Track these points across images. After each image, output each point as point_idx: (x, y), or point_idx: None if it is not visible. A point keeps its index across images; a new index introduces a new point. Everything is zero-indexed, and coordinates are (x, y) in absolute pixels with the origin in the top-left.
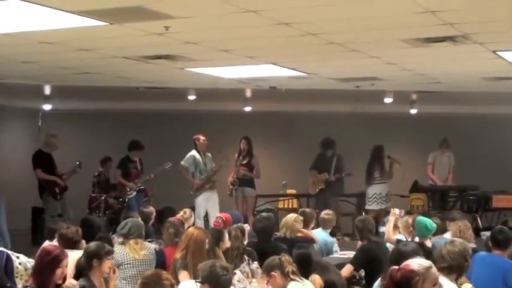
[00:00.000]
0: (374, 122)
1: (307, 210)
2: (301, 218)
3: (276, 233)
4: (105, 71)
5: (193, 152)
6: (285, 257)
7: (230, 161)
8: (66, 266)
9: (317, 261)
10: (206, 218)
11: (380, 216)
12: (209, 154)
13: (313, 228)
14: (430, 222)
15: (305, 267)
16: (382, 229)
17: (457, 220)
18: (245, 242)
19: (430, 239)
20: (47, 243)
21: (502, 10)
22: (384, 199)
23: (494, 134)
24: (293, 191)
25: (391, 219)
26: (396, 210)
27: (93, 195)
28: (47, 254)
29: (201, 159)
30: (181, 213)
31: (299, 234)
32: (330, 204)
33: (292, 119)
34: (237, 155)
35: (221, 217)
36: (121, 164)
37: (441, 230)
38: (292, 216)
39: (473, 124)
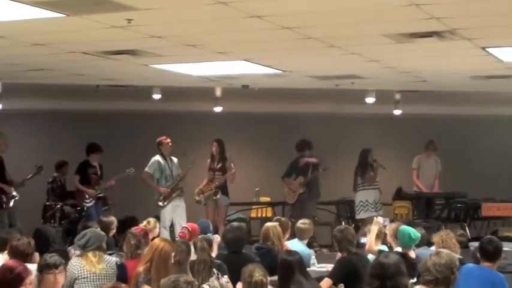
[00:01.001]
0: (355, 123)
1: (282, 218)
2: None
3: (257, 243)
4: (61, 68)
5: (158, 157)
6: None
7: (197, 166)
8: (30, 284)
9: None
10: (172, 228)
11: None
12: (175, 159)
13: (288, 239)
14: (414, 232)
15: (286, 276)
16: (363, 240)
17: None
18: (214, 254)
19: (414, 249)
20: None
21: (491, 4)
22: (371, 206)
23: (484, 137)
24: (267, 199)
25: (373, 228)
26: (380, 219)
27: (47, 203)
28: (9, 272)
29: (166, 165)
30: (145, 223)
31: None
32: (308, 211)
33: (266, 120)
34: (209, 160)
35: (187, 227)
36: (79, 169)
37: (426, 241)
38: (275, 225)
39: (461, 126)
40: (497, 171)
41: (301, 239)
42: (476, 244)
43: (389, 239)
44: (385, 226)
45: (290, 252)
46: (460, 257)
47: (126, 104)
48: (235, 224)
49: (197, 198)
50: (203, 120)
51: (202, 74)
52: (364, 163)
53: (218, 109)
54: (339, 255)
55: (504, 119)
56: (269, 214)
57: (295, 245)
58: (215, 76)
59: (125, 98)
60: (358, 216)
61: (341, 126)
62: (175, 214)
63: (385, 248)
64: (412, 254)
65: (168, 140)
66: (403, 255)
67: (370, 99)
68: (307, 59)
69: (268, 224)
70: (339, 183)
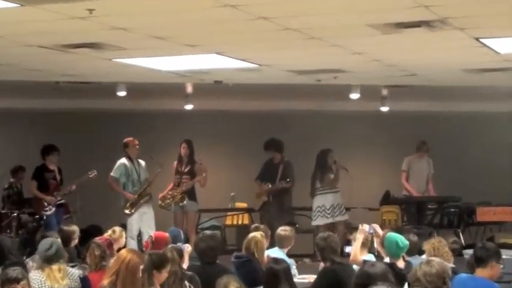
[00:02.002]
0: (338, 121)
1: (261, 226)
2: (263, 234)
3: (236, 252)
4: (15, 63)
5: (124, 160)
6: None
7: (167, 169)
8: None
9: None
10: (140, 237)
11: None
12: (142, 162)
13: (267, 248)
14: (402, 239)
15: (271, 286)
16: (348, 249)
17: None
18: (185, 266)
19: (403, 258)
20: None
21: None
22: (328, 212)
23: (479, 136)
24: (243, 205)
25: (358, 237)
26: (365, 226)
27: (3, 211)
28: None
29: (133, 168)
30: (110, 232)
31: (265, 258)
32: (276, 221)
33: (241, 119)
34: (176, 162)
35: (151, 236)
36: (36, 174)
37: (418, 249)
38: (259, 235)
39: (454, 124)
40: (493, 172)
41: (281, 247)
42: (470, 252)
43: (378, 247)
44: (372, 233)
45: (276, 261)
46: (453, 266)
47: (88, 102)
48: (208, 232)
49: (161, 203)
50: (173, 119)
51: (171, 68)
52: (323, 165)
53: (189, 107)
54: (322, 265)
55: (501, 116)
56: (246, 221)
57: (275, 254)
58: (185, 71)
59: (87, 95)
60: (314, 223)
61: (323, 125)
62: (142, 222)
63: (371, 257)
64: (401, 263)
65: (135, 141)
66: (391, 265)
67: (354, 95)
68: (285, 51)
69: (254, 235)
70: None
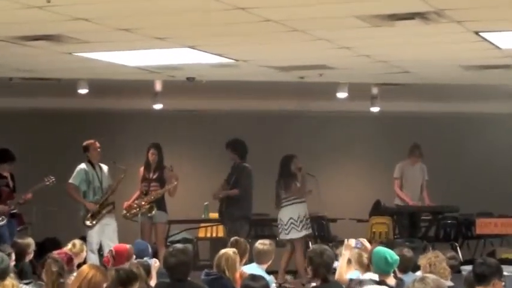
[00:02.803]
0: (323, 123)
1: (241, 239)
2: (236, 251)
3: (211, 270)
4: None
5: (84, 165)
6: None
7: (133, 175)
8: None
9: None
10: (101, 251)
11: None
12: (105, 167)
13: (245, 264)
14: (391, 254)
15: None
16: (334, 265)
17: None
18: (152, 283)
19: (395, 275)
20: None
21: None
22: (296, 224)
23: (479, 139)
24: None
25: (344, 253)
26: (351, 241)
27: None
28: None
29: (94, 174)
30: (70, 245)
31: (237, 275)
32: (232, 233)
33: (216, 120)
34: (143, 168)
35: (111, 250)
36: None
37: (413, 265)
38: (230, 251)
39: (451, 126)
40: (494, 179)
41: (260, 263)
42: (469, 268)
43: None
44: (359, 248)
45: (254, 278)
46: (451, 284)
47: (45, 100)
48: (179, 246)
49: (126, 214)
50: (140, 120)
51: (138, 64)
52: (286, 173)
53: (158, 106)
54: (312, 285)
55: (502, 118)
56: (221, 234)
57: (252, 270)
58: (154, 67)
59: (44, 93)
60: (287, 237)
61: (307, 127)
62: (104, 235)
63: (357, 274)
64: (391, 280)
65: (97, 144)
66: (380, 283)
67: (341, 94)
68: (265, 46)
69: (225, 251)
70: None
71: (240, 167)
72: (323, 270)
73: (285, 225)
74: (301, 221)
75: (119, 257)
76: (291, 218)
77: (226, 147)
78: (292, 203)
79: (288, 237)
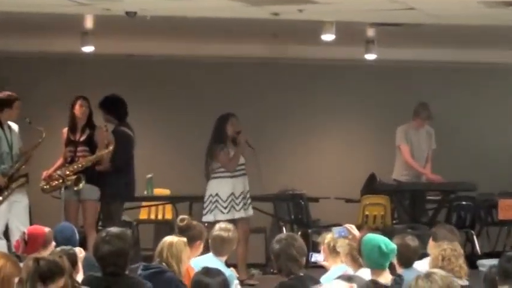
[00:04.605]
0: (303, 74)
1: (194, 222)
2: (184, 240)
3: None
4: None
5: None
6: None
7: (51, 137)
8: None
9: None
10: (8, 235)
11: None
12: (15, 126)
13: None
14: (386, 242)
15: None
16: (314, 257)
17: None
18: (79, 277)
19: (393, 269)
20: None
21: None
22: (223, 203)
23: (500, 97)
24: (165, 191)
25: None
26: (335, 230)
27: None
28: None
29: (3, 136)
30: None
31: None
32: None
33: (163, 67)
34: (67, 128)
35: (24, 233)
36: None
37: (419, 257)
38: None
39: (466, 81)
40: None
41: (217, 254)
42: (489, 263)
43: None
44: (344, 237)
45: (209, 272)
46: (466, 283)
47: None
48: (114, 229)
49: (45, 186)
50: (64, 66)
51: None
52: (220, 136)
53: (88, 49)
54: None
55: None
56: (168, 216)
57: (208, 262)
58: None
59: None
60: (205, 218)
61: (283, 79)
62: (12, 215)
63: (345, 269)
64: (386, 278)
65: (16, 98)
66: (372, 280)
67: (327, 36)
68: None
69: (167, 239)
70: (279, 169)
71: (116, 133)
72: (285, 261)
73: (204, 203)
74: (233, 200)
75: (32, 242)
76: (210, 195)
77: (99, 106)
78: (225, 177)
79: (206, 219)
